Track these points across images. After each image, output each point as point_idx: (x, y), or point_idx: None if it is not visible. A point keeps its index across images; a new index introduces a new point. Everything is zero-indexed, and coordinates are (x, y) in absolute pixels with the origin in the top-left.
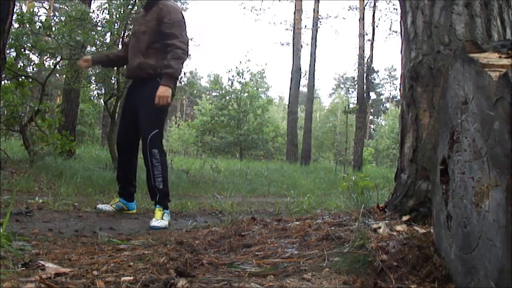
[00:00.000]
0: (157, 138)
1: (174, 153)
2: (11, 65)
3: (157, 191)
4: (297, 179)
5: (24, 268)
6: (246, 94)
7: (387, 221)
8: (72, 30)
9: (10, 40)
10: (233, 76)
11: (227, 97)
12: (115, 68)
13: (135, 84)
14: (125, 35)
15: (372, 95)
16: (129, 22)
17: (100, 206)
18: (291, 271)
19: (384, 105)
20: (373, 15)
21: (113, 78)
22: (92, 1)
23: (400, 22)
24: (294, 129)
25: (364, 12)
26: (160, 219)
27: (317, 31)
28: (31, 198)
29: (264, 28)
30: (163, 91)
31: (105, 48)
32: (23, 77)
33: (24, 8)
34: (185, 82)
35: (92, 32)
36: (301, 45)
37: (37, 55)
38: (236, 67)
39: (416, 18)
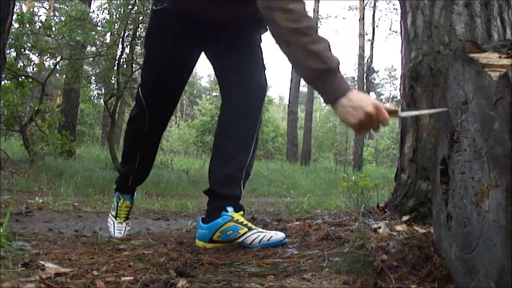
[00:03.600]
0: None
1: (174, 153)
2: (11, 65)
3: (242, 186)
4: (297, 179)
5: (24, 268)
6: None
7: (387, 221)
8: (72, 30)
9: (10, 40)
10: None
11: None
12: (115, 68)
13: (210, 26)
14: (125, 35)
15: (372, 95)
16: (129, 22)
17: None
18: (291, 271)
19: (384, 105)
20: (373, 15)
21: (113, 78)
22: (92, 1)
23: (400, 22)
24: (294, 129)
25: (364, 12)
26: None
27: (317, 31)
28: (31, 198)
29: None
30: None
31: (105, 48)
32: (23, 77)
33: (24, 8)
34: None
35: (92, 32)
36: None
37: (37, 55)
38: None
39: (416, 18)
